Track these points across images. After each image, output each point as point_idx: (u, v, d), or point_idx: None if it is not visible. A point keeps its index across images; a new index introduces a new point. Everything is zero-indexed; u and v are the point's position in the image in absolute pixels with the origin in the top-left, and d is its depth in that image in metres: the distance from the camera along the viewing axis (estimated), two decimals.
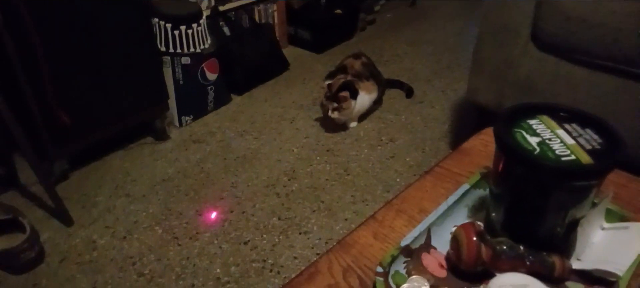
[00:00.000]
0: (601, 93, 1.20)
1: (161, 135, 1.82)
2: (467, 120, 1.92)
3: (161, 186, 1.59)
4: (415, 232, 0.64)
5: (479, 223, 0.65)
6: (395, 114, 1.98)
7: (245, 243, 1.36)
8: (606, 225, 0.69)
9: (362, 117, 1.93)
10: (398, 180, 1.60)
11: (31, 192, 1.55)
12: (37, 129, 1.44)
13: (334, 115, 1.77)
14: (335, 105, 1.75)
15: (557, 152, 0.57)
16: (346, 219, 1.44)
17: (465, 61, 2.34)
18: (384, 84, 2.01)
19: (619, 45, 1.11)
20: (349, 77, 1.81)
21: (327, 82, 1.81)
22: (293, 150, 1.77)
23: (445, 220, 0.69)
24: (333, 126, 1.89)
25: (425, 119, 1.94)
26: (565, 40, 1.21)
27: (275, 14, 2.47)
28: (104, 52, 1.53)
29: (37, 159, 1.34)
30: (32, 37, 1.33)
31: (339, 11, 2.54)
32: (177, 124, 1.91)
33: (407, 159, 1.71)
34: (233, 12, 2.26)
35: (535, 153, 0.57)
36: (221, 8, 2.18)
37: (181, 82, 1.85)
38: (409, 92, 2.09)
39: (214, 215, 1.47)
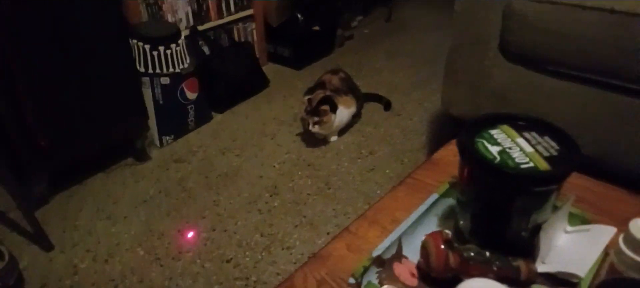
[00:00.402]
0: (573, 102, 1.24)
1: (142, 156, 1.82)
2: (444, 131, 1.96)
3: (143, 207, 1.59)
4: (386, 243, 0.67)
5: (446, 231, 0.67)
6: (374, 127, 2.01)
7: (228, 261, 1.37)
8: (569, 228, 0.72)
9: (342, 131, 1.96)
10: (378, 191, 1.63)
11: (9, 218, 1.54)
12: (14, 151, 1.44)
13: (315, 129, 1.79)
14: (316, 119, 1.77)
15: (516, 160, 0.60)
16: (328, 233, 1.46)
17: (441, 73, 2.38)
18: (363, 98, 2.04)
19: (583, 55, 1.16)
20: (328, 93, 1.83)
21: (306, 97, 1.84)
22: (274, 166, 1.78)
23: (416, 230, 0.71)
24: (314, 141, 1.91)
25: (403, 130, 1.98)
26: (532, 51, 1.25)
27: (254, 32, 2.50)
28: (82, 73, 1.53)
29: (15, 183, 1.33)
30: (8, 57, 1.33)
31: (316, 28, 2.58)
32: (157, 143, 1.92)
33: (387, 171, 1.73)
34: (212, 32, 2.29)
35: (496, 161, 0.60)
36: (200, 27, 2.20)
37: (161, 102, 1.86)
38: (387, 105, 2.13)
39: (191, 234, 1.47)
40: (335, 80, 1.91)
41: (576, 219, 0.73)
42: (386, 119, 2.07)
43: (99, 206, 1.60)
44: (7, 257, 1.25)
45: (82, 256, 1.40)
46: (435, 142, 1.89)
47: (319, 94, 1.83)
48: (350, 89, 1.93)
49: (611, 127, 1.19)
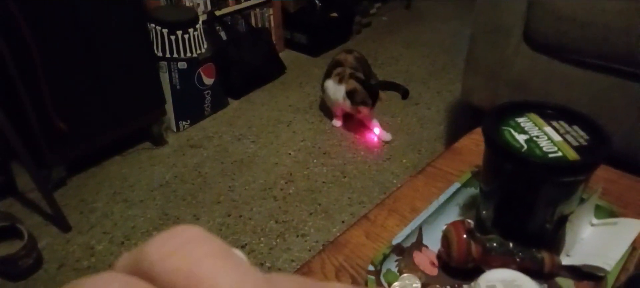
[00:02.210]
0: (594, 91, 1.21)
1: (158, 141, 1.83)
2: (462, 121, 1.93)
3: (159, 191, 1.60)
4: (406, 231, 0.65)
5: (469, 221, 0.65)
6: (391, 116, 1.99)
7: (243, 246, 1.37)
8: (595, 221, 0.70)
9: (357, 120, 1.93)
10: (394, 181, 1.61)
11: (29, 199, 1.56)
12: (34, 136, 1.45)
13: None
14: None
15: (544, 148, 0.58)
16: (343, 221, 1.45)
17: (460, 62, 2.35)
18: (377, 85, 2.02)
19: (609, 44, 1.12)
20: (348, 70, 1.81)
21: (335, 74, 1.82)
22: (290, 154, 1.78)
23: (437, 219, 0.69)
24: (330, 129, 1.90)
25: (421, 120, 1.95)
26: (557, 40, 1.22)
27: (272, 18, 2.48)
28: (100, 58, 1.54)
29: (35, 166, 1.35)
30: (29, 44, 1.34)
31: (334, 14, 2.55)
32: (174, 128, 1.92)
33: (404, 160, 1.71)
34: (229, 17, 2.28)
35: (523, 150, 0.58)
36: (217, 13, 2.19)
37: (178, 87, 1.86)
38: (405, 94, 2.10)
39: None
40: (350, 59, 1.88)
41: (603, 212, 0.70)
42: (403, 108, 2.05)
43: (115, 189, 1.62)
44: (26, 237, 1.27)
45: (98, 238, 1.41)
46: (453, 132, 1.86)
47: (338, 70, 1.81)
48: (364, 70, 1.91)
49: (634, 118, 1.15)
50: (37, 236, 1.38)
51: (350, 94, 1.75)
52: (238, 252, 0.14)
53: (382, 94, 1.79)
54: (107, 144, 1.69)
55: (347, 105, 1.78)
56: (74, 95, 1.51)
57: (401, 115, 1.99)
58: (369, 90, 1.75)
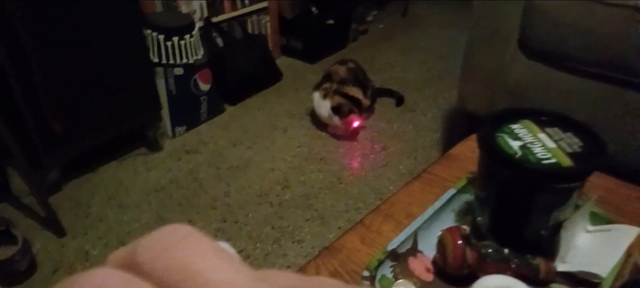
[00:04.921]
0: (591, 100, 1.21)
1: (154, 146, 1.82)
2: (458, 128, 1.94)
3: (154, 196, 1.59)
4: (402, 237, 0.65)
5: (464, 227, 0.65)
6: (387, 122, 1.99)
7: (239, 252, 1.35)
8: (590, 227, 0.70)
9: None
10: (391, 188, 1.61)
11: (23, 203, 1.55)
12: (29, 139, 1.45)
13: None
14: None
15: (538, 155, 0.58)
16: (339, 227, 1.45)
17: (456, 69, 2.35)
18: (374, 91, 2.03)
19: (608, 52, 1.13)
20: (335, 85, 1.82)
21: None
22: (286, 159, 1.77)
23: (432, 225, 0.69)
24: (326, 135, 1.90)
25: (417, 127, 1.96)
26: (554, 47, 1.22)
27: (268, 24, 2.49)
28: (96, 63, 1.53)
29: (30, 169, 1.34)
30: (25, 47, 1.33)
31: (331, 21, 2.56)
32: (170, 134, 1.92)
33: (400, 167, 1.72)
34: (226, 23, 2.28)
35: (517, 156, 0.58)
36: (214, 19, 2.20)
37: (174, 92, 1.86)
38: (400, 100, 2.11)
39: None
40: (341, 71, 1.89)
41: (598, 219, 0.71)
42: (399, 114, 2.05)
43: (110, 194, 1.61)
44: (20, 242, 1.26)
45: (93, 243, 1.41)
46: (449, 139, 1.86)
47: (326, 85, 1.83)
48: (356, 79, 1.91)
49: (632, 126, 1.16)
50: (32, 240, 1.37)
51: (336, 110, 1.78)
52: (229, 248, 0.14)
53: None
54: (102, 149, 1.68)
55: (335, 121, 1.80)
56: (69, 99, 1.51)
57: (397, 121, 2.00)
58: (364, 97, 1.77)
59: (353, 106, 1.78)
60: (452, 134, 1.91)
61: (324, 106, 1.82)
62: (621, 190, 0.80)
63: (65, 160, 1.59)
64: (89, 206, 1.56)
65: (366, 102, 1.88)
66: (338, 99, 1.78)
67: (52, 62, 1.42)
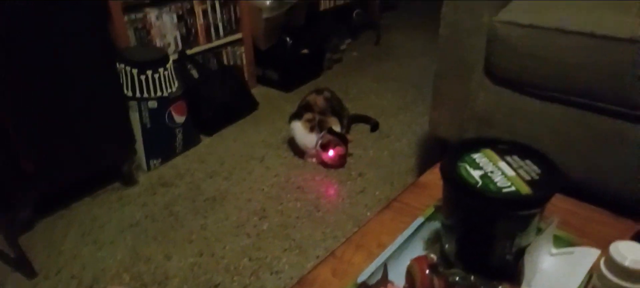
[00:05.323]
0: (555, 123, 1.26)
1: (128, 180, 1.80)
2: (432, 153, 1.97)
3: (129, 231, 1.57)
4: (371, 268, 0.66)
5: (432, 255, 0.67)
6: (363, 149, 2.02)
7: (216, 286, 1.35)
8: (554, 250, 0.73)
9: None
10: (368, 214, 1.63)
11: None
12: None
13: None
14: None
15: (498, 184, 0.61)
16: (317, 256, 1.45)
17: (428, 96, 2.40)
18: (349, 119, 2.06)
19: (567, 78, 1.18)
20: (317, 116, 1.86)
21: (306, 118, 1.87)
22: (263, 189, 1.78)
23: (402, 254, 0.71)
24: (303, 163, 1.91)
25: (392, 153, 1.99)
26: (517, 75, 1.27)
27: (243, 55, 2.51)
28: (69, 98, 1.52)
29: None
30: None
31: (305, 51, 2.60)
32: (145, 167, 1.90)
33: (376, 193, 1.73)
34: (201, 55, 2.30)
35: (478, 186, 0.60)
36: (189, 51, 2.21)
37: (148, 125, 1.85)
38: (374, 126, 2.14)
39: None
40: (320, 101, 1.93)
41: (561, 241, 0.73)
42: (375, 141, 2.08)
43: (84, 231, 1.58)
44: None
45: (66, 282, 1.37)
46: (424, 164, 1.90)
47: (309, 116, 1.86)
48: (333, 109, 1.95)
49: (595, 149, 1.20)
50: (1, 283, 1.33)
51: (325, 147, 1.84)
52: None
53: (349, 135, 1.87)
54: (75, 185, 1.66)
55: (324, 156, 1.85)
56: (41, 135, 1.49)
57: (373, 148, 2.03)
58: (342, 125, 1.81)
59: (339, 140, 1.83)
60: (427, 158, 1.94)
61: (309, 139, 1.86)
62: (582, 211, 0.83)
63: (38, 199, 1.56)
64: (62, 244, 1.52)
65: (345, 134, 1.92)
66: (327, 137, 1.83)
67: (21, 97, 1.41)
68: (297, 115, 1.91)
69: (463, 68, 1.38)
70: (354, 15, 3.15)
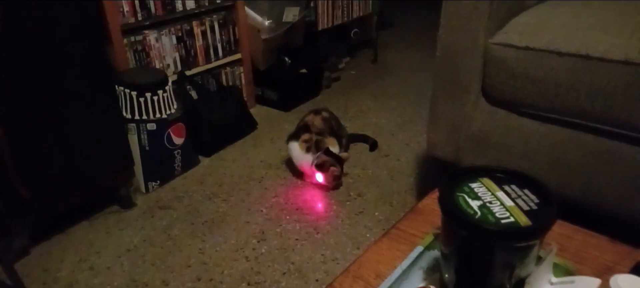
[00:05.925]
0: (550, 144, 1.26)
1: (126, 203, 1.80)
2: (431, 172, 1.97)
3: (126, 256, 1.56)
4: None
5: (431, 287, 0.66)
6: (362, 169, 2.01)
7: None
8: (554, 279, 0.72)
9: None
10: (368, 235, 1.62)
11: None
12: None
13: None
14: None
15: (497, 214, 0.60)
16: (317, 280, 1.43)
17: (426, 114, 2.42)
18: (348, 138, 2.06)
19: (560, 99, 1.18)
20: (314, 136, 1.86)
21: (303, 139, 1.87)
22: (262, 211, 1.77)
23: (401, 285, 0.70)
24: (302, 184, 1.91)
25: (391, 172, 1.98)
26: (513, 96, 1.28)
27: (242, 75, 2.52)
28: (67, 121, 1.52)
29: None
30: None
31: (304, 70, 2.61)
32: (143, 190, 1.90)
33: (376, 213, 1.73)
34: (200, 76, 2.31)
35: (477, 217, 0.60)
36: (188, 72, 2.22)
37: (147, 148, 1.85)
38: (373, 145, 2.14)
39: None
40: (317, 122, 1.93)
41: (560, 270, 0.72)
42: (374, 160, 2.08)
43: (81, 256, 1.57)
44: None
45: None
46: (423, 183, 1.89)
47: (305, 137, 1.86)
48: (332, 129, 1.95)
49: (591, 169, 1.20)
50: None
51: (319, 167, 1.83)
52: None
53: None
54: (72, 209, 1.65)
55: (319, 177, 1.86)
56: (38, 160, 1.48)
57: (372, 167, 2.02)
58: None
59: (335, 161, 1.82)
60: (426, 177, 1.94)
61: (305, 159, 1.86)
62: (578, 236, 0.83)
63: (33, 223, 1.55)
64: (59, 270, 1.51)
65: (343, 154, 1.91)
66: (322, 157, 1.82)
67: (18, 121, 1.40)
68: (294, 136, 1.91)
69: (459, 89, 1.39)
70: (351, 34, 3.17)
